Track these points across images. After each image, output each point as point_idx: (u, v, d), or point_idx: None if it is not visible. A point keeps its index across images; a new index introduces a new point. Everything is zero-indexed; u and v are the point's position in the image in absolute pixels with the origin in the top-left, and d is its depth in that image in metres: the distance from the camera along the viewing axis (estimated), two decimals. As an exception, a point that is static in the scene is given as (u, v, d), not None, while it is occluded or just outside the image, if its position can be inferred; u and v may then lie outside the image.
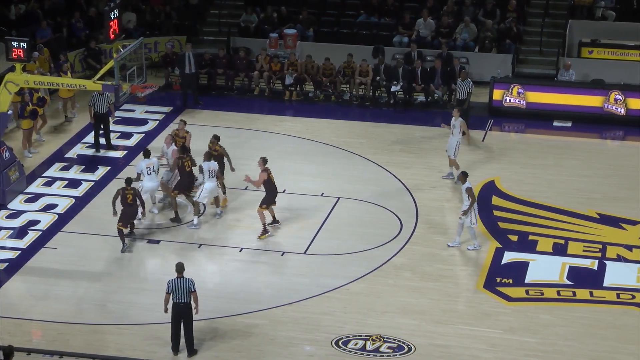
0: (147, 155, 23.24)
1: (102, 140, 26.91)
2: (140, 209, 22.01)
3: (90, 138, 27.33)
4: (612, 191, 24.72)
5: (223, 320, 19.33)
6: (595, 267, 21.42)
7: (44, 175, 25.52)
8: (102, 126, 26.82)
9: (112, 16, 23.40)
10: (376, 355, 18.43)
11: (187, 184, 23.24)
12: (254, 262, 21.67)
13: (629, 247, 22.13)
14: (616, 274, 21.15)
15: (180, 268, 18.17)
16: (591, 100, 29.13)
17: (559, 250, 22.08)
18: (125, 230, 21.95)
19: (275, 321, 19.40)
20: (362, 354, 18.47)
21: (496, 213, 23.67)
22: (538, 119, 29.09)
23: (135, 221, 22.23)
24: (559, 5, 33.61)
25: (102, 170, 25.76)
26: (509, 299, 20.26)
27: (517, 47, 31.99)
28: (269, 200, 22.29)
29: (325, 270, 21.26)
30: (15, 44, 22.86)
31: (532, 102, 29.37)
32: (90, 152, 26.90)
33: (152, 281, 20.77)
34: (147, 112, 29.02)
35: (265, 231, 22.32)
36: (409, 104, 30.37)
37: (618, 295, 20.43)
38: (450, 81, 30.03)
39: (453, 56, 30.78)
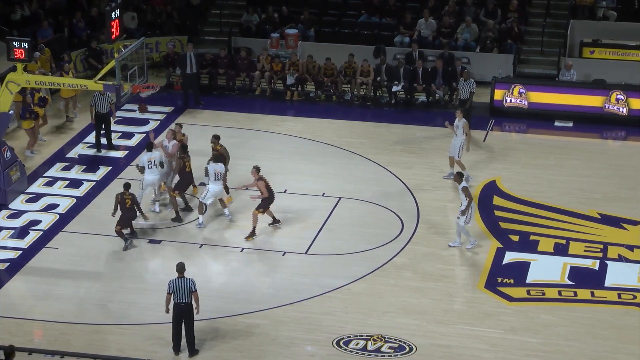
0: (149, 148, 23.29)
1: (104, 140, 26.92)
2: (138, 213, 22.04)
3: (91, 138, 27.34)
4: (613, 191, 24.72)
5: (224, 320, 19.33)
6: (597, 267, 21.41)
7: (45, 175, 25.53)
8: (103, 126, 26.83)
9: (113, 16, 23.40)
10: (377, 356, 18.43)
11: (187, 183, 23.32)
12: (255, 262, 21.67)
13: (630, 247, 22.12)
14: (617, 274, 21.14)
15: (181, 268, 18.18)
16: (592, 101, 29.12)
17: (560, 250, 22.07)
18: (125, 231, 21.96)
19: (276, 321, 19.40)
20: (364, 354, 18.47)
21: (497, 213, 23.67)
22: (539, 119, 29.08)
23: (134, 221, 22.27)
24: (560, 5, 33.61)
25: (103, 170, 25.77)
26: (510, 299, 20.25)
27: (519, 47, 31.97)
28: (267, 204, 22.27)
29: (326, 270, 21.26)
30: (16, 44, 22.87)
31: (534, 102, 29.36)
32: (92, 152, 26.91)
33: (153, 281, 20.77)
34: (148, 112, 28.98)
35: (253, 233, 22.29)
36: (410, 104, 30.36)
37: (619, 296, 20.42)
38: (451, 81, 30.02)
39: (454, 56, 30.78)
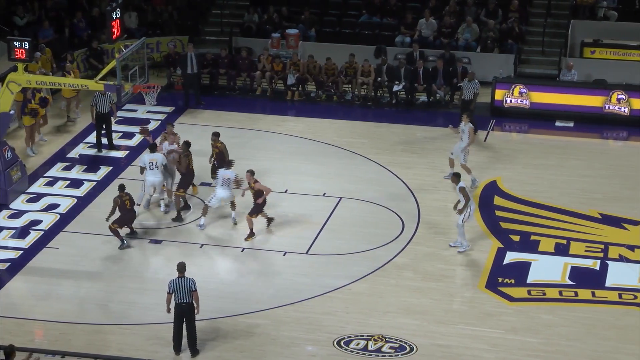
0: (152, 149, 23.30)
1: (104, 140, 26.92)
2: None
3: (92, 138, 27.35)
4: (614, 191, 24.71)
5: (225, 320, 19.33)
6: (597, 268, 21.41)
7: (46, 175, 25.54)
8: (104, 126, 26.83)
9: (114, 16, 23.40)
10: (378, 356, 18.43)
11: (189, 182, 23.31)
12: (255, 262, 21.67)
13: (631, 247, 22.12)
14: (618, 274, 21.14)
15: (181, 268, 18.18)
16: (593, 101, 29.11)
17: (561, 250, 22.07)
18: (123, 231, 21.89)
19: (277, 321, 19.40)
20: (364, 354, 18.47)
21: (498, 213, 23.66)
22: (540, 119, 29.08)
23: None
24: (561, 5, 33.60)
25: (104, 170, 25.77)
26: (510, 299, 20.25)
27: (519, 47, 31.97)
28: (260, 209, 22.21)
29: (327, 270, 21.26)
30: (17, 44, 22.86)
31: (534, 102, 29.36)
32: (92, 152, 26.92)
33: (154, 281, 20.76)
34: (149, 112, 29.01)
35: (252, 234, 22.26)
36: (411, 104, 30.36)
37: (620, 296, 20.42)
38: (452, 81, 30.01)
39: (455, 57, 30.78)
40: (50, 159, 26.46)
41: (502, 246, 22.20)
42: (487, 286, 20.69)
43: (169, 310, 18.19)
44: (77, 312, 19.81)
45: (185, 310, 18.05)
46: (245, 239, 22.27)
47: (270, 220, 22.70)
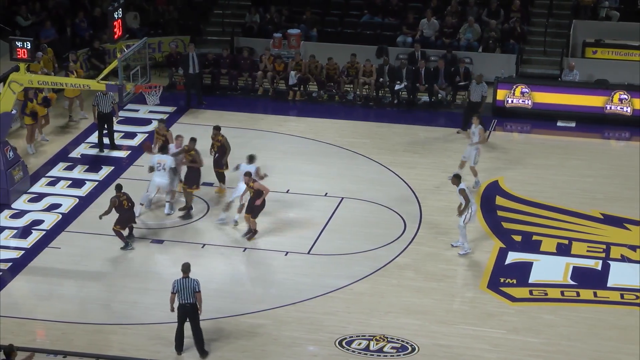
0: (163, 151, 23.31)
1: (106, 140, 26.93)
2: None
3: (94, 138, 27.36)
4: (615, 191, 24.71)
5: (227, 320, 19.33)
6: (599, 268, 21.40)
7: (47, 175, 25.54)
8: (105, 126, 26.84)
9: (116, 16, 23.41)
10: (380, 355, 18.43)
11: (197, 178, 23.38)
12: (257, 262, 21.67)
13: (633, 248, 22.11)
14: (620, 275, 21.13)
15: (186, 268, 18.15)
16: (595, 101, 29.11)
17: (563, 250, 22.06)
18: (124, 232, 21.91)
19: (278, 321, 19.40)
20: (366, 354, 18.47)
21: (500, 213, 23.66)
22: (542, 119, 29.07)
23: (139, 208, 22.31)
24: (563, 5, 33.59)
25: (105, 170, 25.78)
26: (512, 299, 20.25)
27: (521, 47, 31.97)
28: (259, 210, 22.13)
29: (328, 270, 21.26)
30: (19, 43, 22.88)
31: (536, 102, 29.35)
32: (94, 152, 26.93)
33: (156, 281, 20.77)
34: (150, 112, 29.01)
35: (255, 232, 22.26)
36: (412, 104, 30.36)
37: (622, 296, 20.41)
38: (454, 81, 30.02)
39: (457, 57, 30.78)
40: (52, 159, 26.47)
41: (504, 246, 22.20)
42: (489, 286, 20.70)
43: (172, 310, 18.19)
44: (78, 312, 19.81)
45: (188, 311, 18.03)
46: (248, 239, 22.23)
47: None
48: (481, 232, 22.63)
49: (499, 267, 21.39)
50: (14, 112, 24.51)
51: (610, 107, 28.93)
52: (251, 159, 22.86)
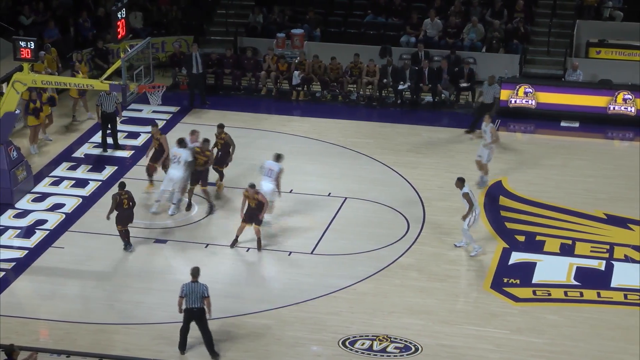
0: (179, 144, 23.28)
1: (110, 140, 26.95)
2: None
3: (97, 138, 27.38)
4: (619, 192, 24.69)
5: (230, 320, 19.33)
6: (603, 268, 21.39)
7: (51, 174, 25.56)
8: (109, 126, 26.86)
9: (119, 16, 23.43)
10: (383, 356, 18.43)
11: (206, 177, 23.48)
12: (260, 262, 21.67)
13: (637, 248, 22.09)
14: (623, 275, 21.12)
15: (195, 273, 18.08)
16: (599, 101, 29.09)
17: (566, 250, 22.05)
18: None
19: (282, 321, 19.41)
20: (369, 354, 18.47)
21: (503, 213, 23.65)
22: (545, 119, 29.06)
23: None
24: (567, 5, 33.57)
25: (109, 170, 25.80)
26: (516, 299, 20.24)
27: (525, 48, 31.97)
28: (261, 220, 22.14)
29: (332, 270, 21.26)
30: (23, 43, 22.90)
31: (540, 103, 29.34)
32: (98, 151, 26.95)
33: (159, 280, 20.79)
34: (154, 111, 29.03)
35: (236, 241, 22.12)
36: (416, 104, 30.34)
37: (625, 296, 20.40)
38: (458, 81, 30.01)
39: (461, 57, 30.77)
40: (56, 159, 26.49)
41: (508, 246, 22.19)
42: (492, 286, 20.69)
43: (180, 312, 18.14)
44: (82, 311, 19.82)
45: (195, 316, 17.99)
46: (259, 249, 22.02)
47: (236, 242, 22.19)
48: (485, 232, 22.62)
49: (502, 267, 21.38)
50: (17, 112, 24.52)
51: (614, 107, 28.91)
52: (278, 157, 22.82)
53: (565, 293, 20.50)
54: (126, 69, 23.24)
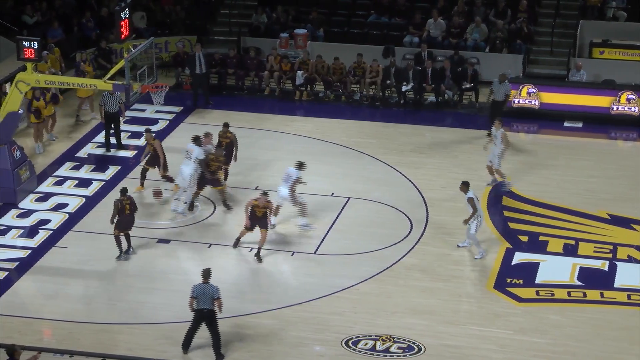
0: (194, 141, 23.30)
1: (113, 140, 26.96)
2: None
3: (100, 137, 27.40)
4: (622, 192, 24.67)
5: (233, 320, 19.32)
6: (606, 268, 21.37)
7: (54, 174, 25.58)
8: (112, 126, 26.88)
9: (122, 16, 23.45)
10: (386, 356, 18.42)
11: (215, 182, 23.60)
12: (263, 262, 21.65)
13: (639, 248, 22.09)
14: (627, 275, 21.10)
15: (206, 274, 18.06)
16: (602, 101, 29.07)
17: (570, 251, 22.04)
18: (123, 242, 21.60)
19: (285, 321, 19.41)
20: (372, 354, 18.46)
21: (506, 213, 23.65)
22: (549, 119, 29.04)
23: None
24: (570, 5, 33.55)
25: (112, 170, 25.81)
26: (519, 299, 20.23)
27: (528, 48, 31.94)
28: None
29: (335, 270, 21.26)
30: (26, 43, 22.92)
31: (543, 103, 29.32)
32: (101, 151, 26.96)
33: (163, 280, 20.79)
34: (157, 111, 29.05)
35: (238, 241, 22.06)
36: (419, 104, 30.33)
37: (629, 297, 20.38)
38: (461, 82, 30.01)
39: (464, 58, 30.75)
40: (59, 159, 26.50)
41: (511, 247, 22.18)
42: (496, 287, 20.68)
43: (192, 310, 18.11)
44: (85, 311, 19.83)
45: (205, 317, 17.98)
46: (256, 255, 21.82)
47: (238, 242, 22.15)
48: (488, 232, 22.60)
49: (505, 267, 21.37)
50: (21, 112, 24.54)
51: (617, 108, 28.89)
52: (301, 165, 22.77)
53: (569, 293, 20.49)
54: (129, 69, 23.29)
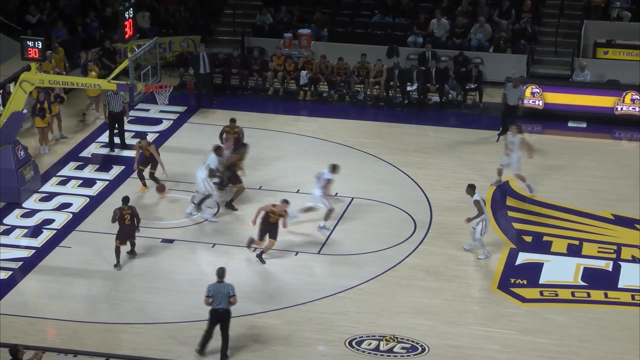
0: (214, 150, 23.29)
1: (117, 140, 26.97)
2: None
3: (104, 137, 27.41)
4: (626, 192, 24.65)
5: (237, 319, 19.27)
6: (610, 269, 21.36)
7: (58, 174, 25.59)
8: (116, 125, 26.90)
9: (126, 16, 23.45)
10: (390, 356, 18.42)
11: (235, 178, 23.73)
12: (267, 262, 21.64)
13: (644, 248, 22.10)
14: (631, 276, 21.08)
15: (221, 273, 18.06)
16: (606, 101, 29.04)
17: (574, 251, 22.02)
18: (126, 248, 21.54)
19: (288, 321, 19.41)
20: (376, 354, 18.46)
21: (510, 214, 23.63)
22: (553, 119, 29.02)
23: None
24: (574, 5, 33.51)
25: (116, 170, 25.82)
26: (523, 299, 20.22)
27: (532, 48, 31.92)
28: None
29: (338, 271, 21.26)
30: (30, 43, 22.92)
31: (547, 103, 29.30)
32: (105, 151, 26.98)
33: (166, 280, 20.80)
34: (161, 111, 29.06)
35: (252, 242, 21.95)
36: (423, 104, 30.32)
37: (633, 297, 20.36)
38: (464, 82, 30.00)
39: (468, 58, 30.73)
40: (63, 158, 26.52)
41: (515, 247, 22.17)
42: (500, 287, 20.67)
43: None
44: (89, 311, 19.84)
45: (221, 317, 17.97)
46: (258, 256, 21.84)
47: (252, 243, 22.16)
48: (492, 232, 22.57)
49: (509, 267, 21.36)
50: (25, 111, 24.55)
51: (622, 108, 28.86)
52: (334, 168, 22.80)
53: (573, 294, 20.47)
54: (133, 69, 23.29)
